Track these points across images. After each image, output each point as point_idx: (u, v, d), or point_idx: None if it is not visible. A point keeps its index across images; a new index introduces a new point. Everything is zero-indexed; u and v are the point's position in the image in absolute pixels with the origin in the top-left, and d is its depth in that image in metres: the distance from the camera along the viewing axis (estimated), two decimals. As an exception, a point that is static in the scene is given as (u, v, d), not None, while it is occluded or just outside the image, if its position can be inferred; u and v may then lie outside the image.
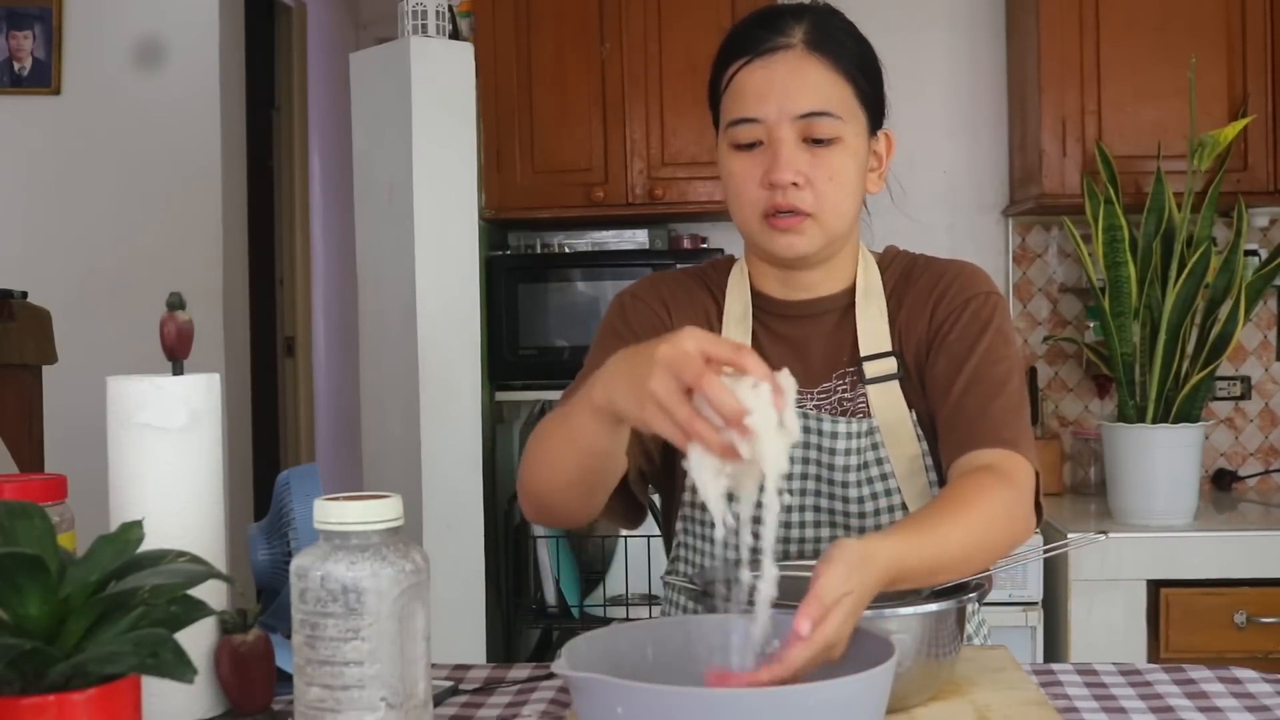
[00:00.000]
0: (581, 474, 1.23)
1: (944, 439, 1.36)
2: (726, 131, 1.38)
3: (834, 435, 1.40)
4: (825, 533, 1.42)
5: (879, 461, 1.40)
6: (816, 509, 1.42)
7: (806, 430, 1.40)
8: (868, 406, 1.41)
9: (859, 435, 1.40)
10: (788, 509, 1.41)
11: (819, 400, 1.43)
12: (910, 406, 1.41)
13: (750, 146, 1.37)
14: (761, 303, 1.47)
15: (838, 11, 1.43)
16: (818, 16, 1.39)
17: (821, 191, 1.35)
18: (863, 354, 1.42)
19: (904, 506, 1.40)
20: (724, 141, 1.39)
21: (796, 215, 1.35)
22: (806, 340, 1.45)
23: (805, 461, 1.41)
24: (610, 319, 1.50)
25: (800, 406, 1.41)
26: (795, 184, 1.34)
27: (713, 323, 1.47)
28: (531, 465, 1.28)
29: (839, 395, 1.43)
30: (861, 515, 1.40)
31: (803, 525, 1.42)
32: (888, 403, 1.41)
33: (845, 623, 0.98)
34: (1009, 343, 1.41)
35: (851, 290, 1.45)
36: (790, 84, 1.34)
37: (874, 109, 1.41)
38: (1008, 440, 1.31)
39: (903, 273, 1.47)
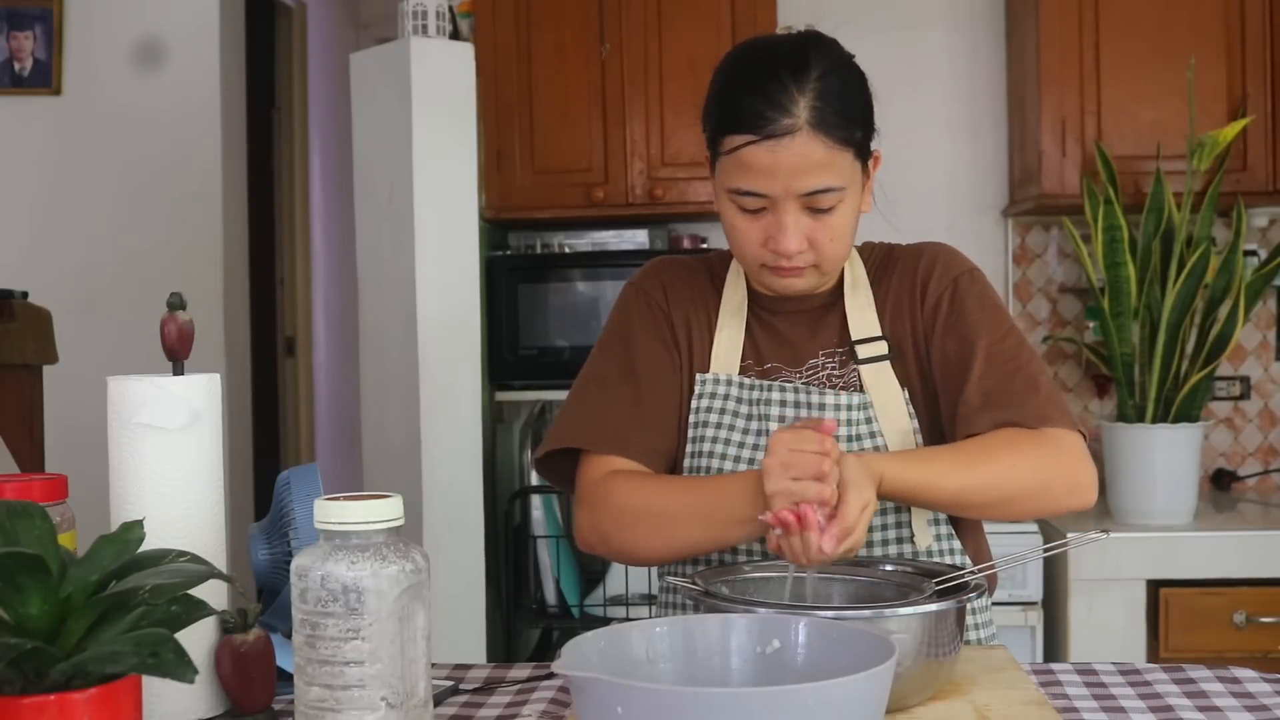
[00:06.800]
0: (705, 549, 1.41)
1: (968, 420, 1.40)
2: (729, 193, 1.40)
3: (822, 406, 1.44)
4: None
5: (871, 435, 1.44)
6: None
7: (797, 405, 1.45)
8: (860, 383, 1.46)
9: (851, 408, 1.44)
10: None
11: (807, 376, 1.49)
12: (902, 385, 1.46)
13: (754, 210, 1.40)
14: (754, 298, 1.54)
15: (836, 64, 1.40)
16: (820, 82, 1.36)
17: (823, 251, 1.40)
18: (854, 338, 1.48)
19: None
20: (725, 195, 1.41)
21: (798, 267, 1.42)
22: (795, 329, 1.51)
23: None
24: (615, 318, 1.57)
25: (789, 383, 1.48)
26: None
27: (710, 312, 1.54)
28: (641, 529, 1.41)
29: (827, 372, 1.48)
30: None
31: None
32: (880, 380, 1.46)
33: (864, 528, 1.23)
34: (1007, 314, 1.49)
35: (839, 286, 1.51)
36: (796, 168, 1.35)
37: (868, 148, 1.43)
38: (1040, 416, 1.38)
39: (881, 261, 1.54)
